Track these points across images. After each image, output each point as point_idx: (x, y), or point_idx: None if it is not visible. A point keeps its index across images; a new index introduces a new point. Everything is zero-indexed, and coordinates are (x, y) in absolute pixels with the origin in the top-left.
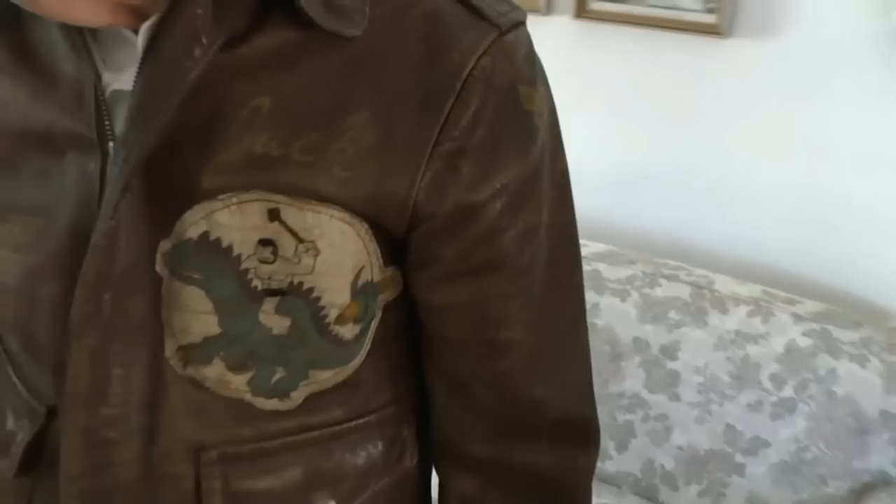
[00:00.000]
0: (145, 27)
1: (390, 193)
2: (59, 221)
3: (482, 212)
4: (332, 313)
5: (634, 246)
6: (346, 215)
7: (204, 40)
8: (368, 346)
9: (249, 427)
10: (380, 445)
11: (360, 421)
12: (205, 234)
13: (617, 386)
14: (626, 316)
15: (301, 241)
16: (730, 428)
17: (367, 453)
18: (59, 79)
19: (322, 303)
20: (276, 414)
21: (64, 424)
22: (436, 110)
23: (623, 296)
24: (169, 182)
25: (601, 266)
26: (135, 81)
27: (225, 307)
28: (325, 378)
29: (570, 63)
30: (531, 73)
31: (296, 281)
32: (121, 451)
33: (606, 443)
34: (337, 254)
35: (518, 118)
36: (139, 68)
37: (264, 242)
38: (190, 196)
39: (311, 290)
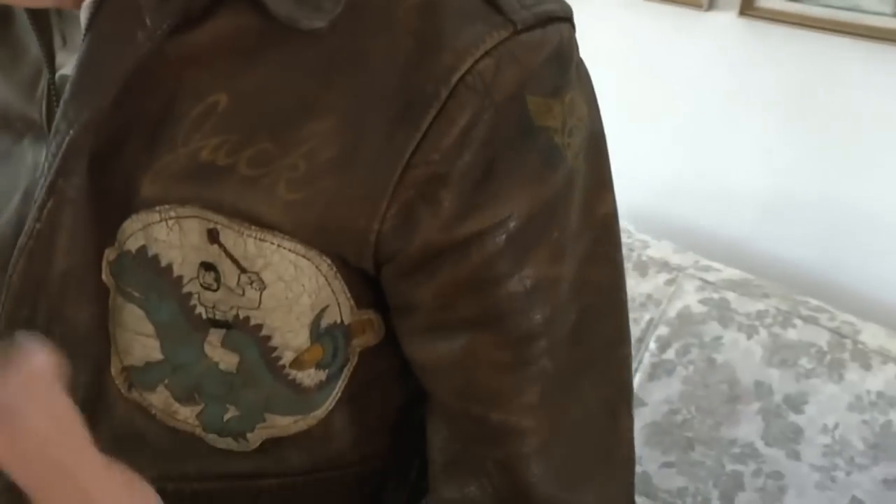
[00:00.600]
0: (85, 4)
1: (346, 224)
2: (6, 212)
3: (470, 252)
4: (287, 356)
5: (774, 277)
6: (299, 247)
7: (148, 22)
8: (339, 395)
9: (195, 464)
10: None
11: (332, 474)
12: (143, 249)
13: (730, 431)
14: (751, 356)
15: (243, 270)
16: (856, 501)
17: None
18: (23, 58)
19: (273, 343)
20: (229, 453)
21: None
22: (412, 124)
23: (750, 332)
24: (111, 184)
25: (731, 295)
26: (74, 66)
27: (166, 332)
28: (284, 424)
29: (729, 65)
30: (555, 81)
31: (241, 315)
32: None
33: (710, 491)
34: (289, 290)
35: (526, 137)
36: (79, 51)
37: (206, 266)
38: (129, 203)
39: (258, 326)
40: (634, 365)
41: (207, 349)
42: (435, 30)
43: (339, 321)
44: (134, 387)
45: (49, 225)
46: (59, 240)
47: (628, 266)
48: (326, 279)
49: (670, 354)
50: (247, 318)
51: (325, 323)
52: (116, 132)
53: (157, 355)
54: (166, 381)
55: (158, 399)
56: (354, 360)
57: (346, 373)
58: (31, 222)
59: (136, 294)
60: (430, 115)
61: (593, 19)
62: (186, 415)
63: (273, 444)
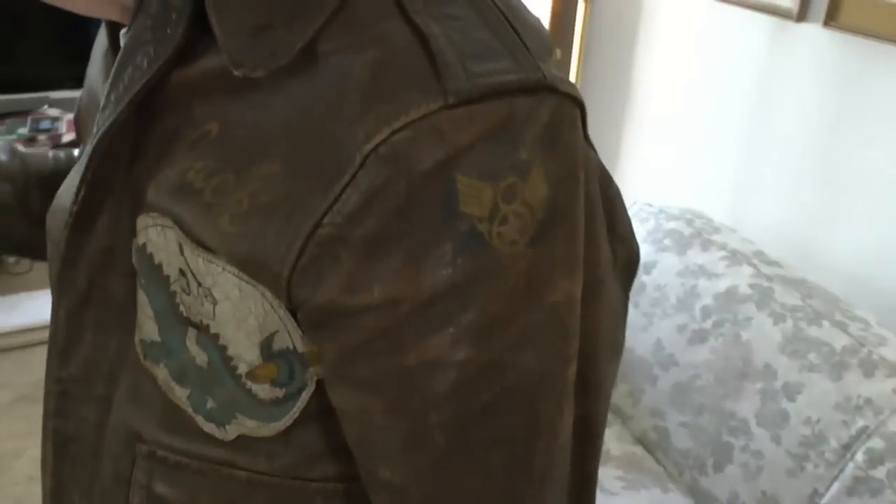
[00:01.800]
0: (123, 31)
1: (263, 265)
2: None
3: (367, 321)
4: (242, 367)
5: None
6: (242, 273)
7: (152, 52)
8: (297, 414)
9: (182, 440)
10: None
11: (294, 482)
12: (144, 245)
13: (733, 404)
14: (771, 339)
15: (199, 284)
16: (816, 495)
17: None
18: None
19: (229, 353)
20: (211, 438)
21: (47, 362)
22: (328, 186)
23: (778, 319)
24: (135, 184)
25: (777, 287)
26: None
27: (161, 319)
28: (250, 426)
29: (818, 80)
30: (492, 162)
31: (203, 322)
32: (82, 409)
33: (707, 457)
34: (236, 309)
35: (446, 219)
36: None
37: (181, 272)
38: (140, 203)
39: (216, 335)
40: (833, 472)
41: (188, 343)
42: (378, 91)
43: (291, 347)
44: (146, 357)
45: (85, 206)
46: (100, 219)
47: (853, 361)
48: (272, 306)
49: (880, 473)
50: (207, 326)
51: (277, 346)
52: (140, 143)
53: (157, 337)
54: (164, 361)
55: (161, 374)
56: (313, 387)
57: (305, 396)
58: (70, 204)
59: (143, 281)
60: (344, 179)
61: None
62: (180, 394)
63: (246, 441)
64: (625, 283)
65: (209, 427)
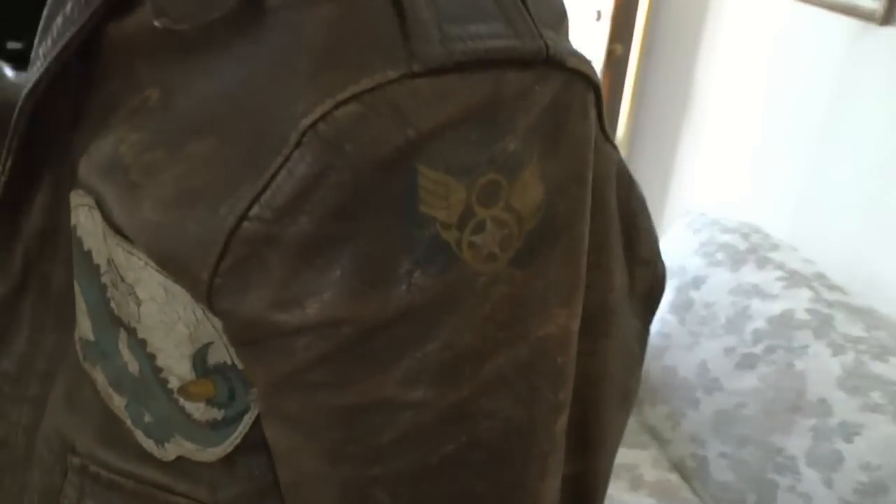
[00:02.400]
0: None
1: (183, 265)
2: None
3: (288, 345)
4: (173, 381)
5: None
6: (165, 272)
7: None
8: (238, 440)
9: (117, 456)
10: None
11: None
12: (75, 228)
13: (779, 440)
14: (828, 372)
15: (122, 279)
16: None
17: None
18: None
19: (159, 363)
20: (149, 457)
21: None
22: (259, 171)
23: (837, 350)
24: (73, 156)
25: (839, 315)
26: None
27: (94, 316)
28: (189, 449)
29: None
30: (469, 153)
31: (131, 324)
32: (13, 411)
33: (747, 494)
34: (163, 314)
35: (402, 224)
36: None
37: (109, 263)
38: (73, 178)
39: (144, 342)
40: None
41: (120, 346)
42: (332, 54)
43: (229, 363)
44: (86, 359)
45: (14, 178)
46: (38, 196)
47: None
48: (204, 313)
49: None
50: (135, 329)
51: (212, 360)
52: (82, 109)
53: (91, 336)
54: (100, 364)
55: (99, 378)
56: (256, 411)
57: (248, 420)
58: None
59: (76, 270)
60: (274, 165)
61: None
62: (119, 403)
63: (186, 464)
64: (644, 315)
65: (148, 444)
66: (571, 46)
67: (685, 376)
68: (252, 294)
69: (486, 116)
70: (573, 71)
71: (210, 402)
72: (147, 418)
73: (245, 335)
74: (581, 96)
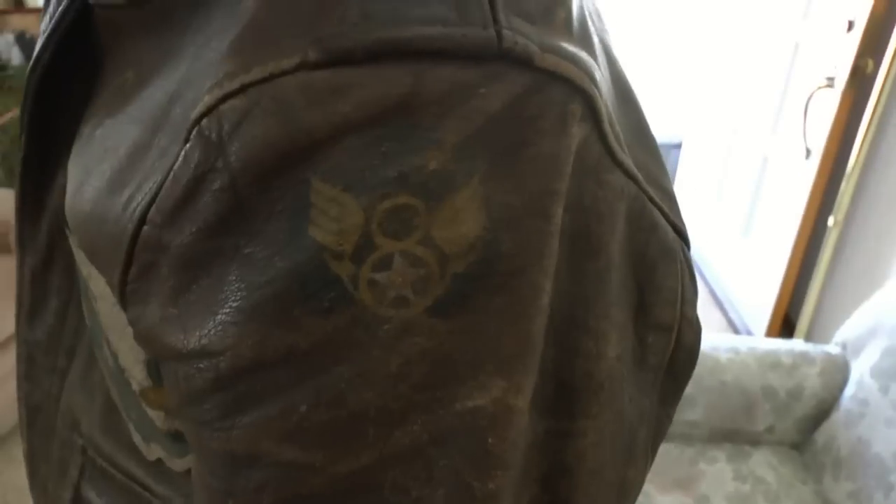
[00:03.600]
0: None
1: (104, 266)
2: None
3: (171, 370)
4: (134, 384)
5: None
6: None
7: None
8: None
9: (112, 445)
10: None
11: None
12: (62, 206)
13: None
14: None
15: (82, 279)
16: None
17: None
18: None
19: (120, 363)
20: (137, 453)
21: (16, 321)
22: (160, 166)
23: None
24: (64, 138)
25: None
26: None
27: (84, 297)
28: (163, 455)
29: None
30: (383, 167)
31: (99, 317)
32: (45, 380)
33: None
34: (113, 314)
35: (280, 244)
36: None
37: None
38: (64, 157)
39: (108, 339)
40: None
41: (102, 337)
42: (251, 31)
43: None
44: (93, 342)
45: (31, 155)
46: (59, 173)
47: None
48: None
49: None
50: (101, 325)
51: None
52: (92, 91)
53: (87, 320)
54: (97, 351)
55: (103, 362)
56: None
57: None
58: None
59: (76, 245)
60: (169, 162)
61: None
62: (114, 392)
63: (165, 469)
64: (662, 391)
65: (137, 439)
66: (560, 44)
67: (879, 454)
68: (150, 307)
69: (401, 122)
70: (546, 72)
71: (169, 411)
72: (132, 413)
73: (148, 351)
74: (558, 105)
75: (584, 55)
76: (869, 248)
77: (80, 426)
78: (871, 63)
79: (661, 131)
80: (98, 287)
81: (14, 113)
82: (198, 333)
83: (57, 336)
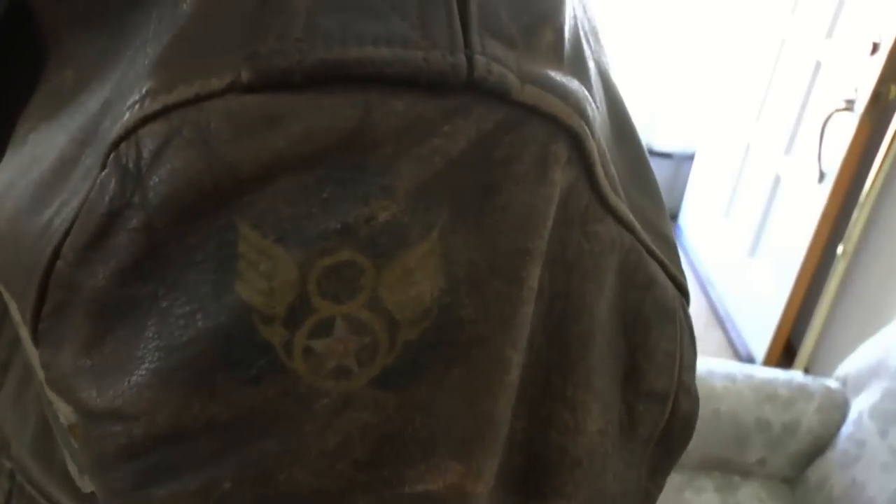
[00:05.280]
0: None
1: (16, 296)
2: None
3: (84, 430)
4: (61, 417)
5: None
6: None
7: None
8: None
9: (42, 472)
10: None
11: None
12: None
13: None
14: None
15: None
16: None
17: None
18: None
19: (48, 393)
20: (70, 484)
21: None
22: (77, 190)
23: None
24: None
25: None
26: None
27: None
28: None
29: None
30: (324, 217)
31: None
32: None
33: None
34: (29, 342)
35: (200, 294)
36: None
37: None
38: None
39: (30, 365)
40: None
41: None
42: (182, 40)
43: None
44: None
45: None
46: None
47: None
48: None
49: None
50: (20, 341)
51: None
52: (29, 80)
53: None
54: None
55: (38, 384)
56: None
57: None
58: None
59: None
60: (85, 189)
61: None
62: (51, 419)
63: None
64: (652, 462)
65: (73, 469)
66: (545, 72)
67: (874, 498)
68: (63, 353)
69: (345, 163)
70: (524, 106)
71: (83, 468)
72: (67, 442)
73: (61, 399)
74: (538, 146)
75: (574, 85)
76: (877, 281)
77: (9, 448)
78: (893, 89)
79: (675, 142)
80: (17, 314)
81: None
82: (111, 392)
83: None
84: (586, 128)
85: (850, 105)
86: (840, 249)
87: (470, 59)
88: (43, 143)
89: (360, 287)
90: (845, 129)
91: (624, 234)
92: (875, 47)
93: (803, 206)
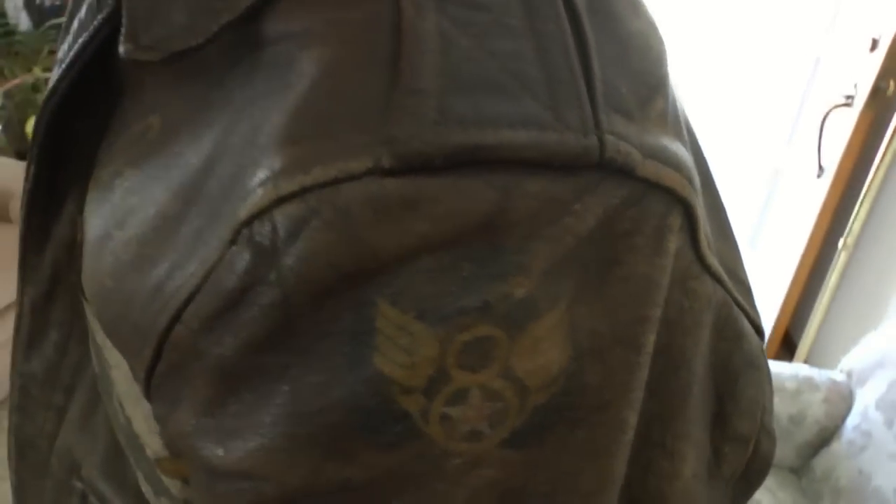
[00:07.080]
0: None
1: (126, 351)
2: None
3: (206, 485)
4: (149, 451)
5: None
6: None
7: (97, 5)
8: None
9: (116, 491)
10: None
11: None
12: (69, 237)
13: None
14: None
15: (94, 336)
16: None
17: None
18: None
19: (134, 428)
20: (142, 501)
21: (12, 350)
22: (205, 261)
23: None
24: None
25: None
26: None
27: (99, 354)
28: None
29: None
30: (463, 295)
31: (112, 380)
32: (39, 414)
33: None
34: (128, 384)
35: (340, 370)
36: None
37: None
38: (73, 187)
39: (122, 404)
40: None
41: (113, 393)
42: (304, 117)
43: None
44: (99, 385)
45: (38, 185)
46: (67, 205)
47: None
48: None
49: None
50: (113, 386)
51: None
52: (110, 125)
53: (96, 367)
54: (105, 398)
55: (112, 414)
56: None
57: None
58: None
59: None
60: (212, 260)
61: None
62: (121, 440)
63: None
64: (734, 499)
65: (146, 489)
66: (660, 143)
67: (880, 487)
68: (181, 410)
69: (484, 243)
70: (646, 181)
71: (187, 482)
72: (143, 465)
73: (175, 450)
74: (656, 218)
75: (682, 153)
76: (877, 275)
77: (80, 470)
78: (892, 85)
79: None
80: (114, 358)
81: (21, 80)
82: (239, 454)
83: (55, 371)
84: (696, 196)
85: (849, 100)
86: (841, 243)
87: (601, 140)
88: (137, 192)
89: (494, 357)
90: (844, 124)
91: (717, 289)
92: (874, 43)
93: (803, 200)
